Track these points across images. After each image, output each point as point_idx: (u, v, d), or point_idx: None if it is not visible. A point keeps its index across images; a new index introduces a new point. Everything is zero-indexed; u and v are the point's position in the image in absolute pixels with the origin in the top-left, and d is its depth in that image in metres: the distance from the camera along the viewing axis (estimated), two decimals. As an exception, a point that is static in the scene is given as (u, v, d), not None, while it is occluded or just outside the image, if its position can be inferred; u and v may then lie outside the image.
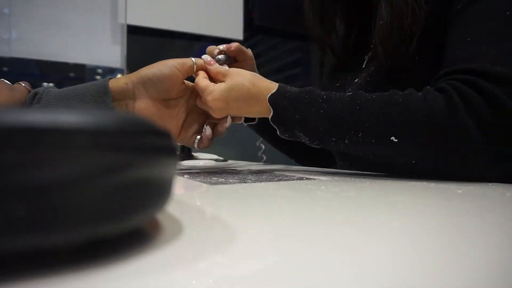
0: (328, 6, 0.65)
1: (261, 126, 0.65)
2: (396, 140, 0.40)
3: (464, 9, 0.46)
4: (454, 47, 0.45)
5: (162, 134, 0.14)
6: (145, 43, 2.09)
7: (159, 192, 0.14)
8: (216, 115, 0.50)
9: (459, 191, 0.31)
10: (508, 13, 0.42)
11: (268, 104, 0.46)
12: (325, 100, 0.44)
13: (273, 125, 0.48)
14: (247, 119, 0.62)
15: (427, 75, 0.48)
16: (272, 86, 0.48)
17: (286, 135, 0.48)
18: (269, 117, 0.47)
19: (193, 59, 0.51)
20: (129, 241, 0.14)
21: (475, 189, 0.32)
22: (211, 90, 0.48)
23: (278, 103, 0.46)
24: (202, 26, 1.97)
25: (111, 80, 0.48)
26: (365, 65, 0.59)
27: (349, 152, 0.45)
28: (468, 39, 0.43)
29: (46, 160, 0.10)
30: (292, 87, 0.48)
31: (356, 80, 0.59)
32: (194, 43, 2.17)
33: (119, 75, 1.97)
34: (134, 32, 1.93)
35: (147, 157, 0.13)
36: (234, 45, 0.54)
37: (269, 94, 0.46)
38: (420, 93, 0.41)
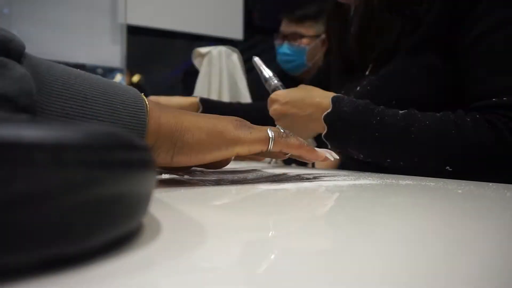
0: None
1: None
2: (450, 170, 0.44)
3: (481, 39, 0.48)
4: (479, 78, 0.48)
5: (134, 148, 0.14)
6: (145, 43, 2.09)
7: (129, 208, 0.14)
8: (276, 119, 0.54)
9: (459, 191, 0.31)
10: None
11: (323, 121, 0.49)
12: (379, 122, 0.47)
13: (325, 141, 0.50)
14: None
15: (418, 88, 0.53)
16: (326, 96, 0.50)
17: (338, 150, 0.51)
18: (323, 134, 0.50)
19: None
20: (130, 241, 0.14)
21: (475, 189, 0.32)
22: (276, 95, 0.54)
23: (332, 123, 0.48)
24: (202, 26, 1.97)
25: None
26: (368, 73, 0.61)
27: (403, 171, 0.48)
28: (494, 69, 0.47)
29: (4, 176, 0.10)
30: (346, 102, 0.49)
31: (357, 89, 0.61)
32: (194, 43, 2.18)
33: (118, 75, 1.97)
34: (134, 32, 1.93)
35: (114, 173, 0.12)
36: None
37: (324, 114, 0.49)
38: (470, 122, 0.45)
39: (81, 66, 1.93)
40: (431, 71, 0.52)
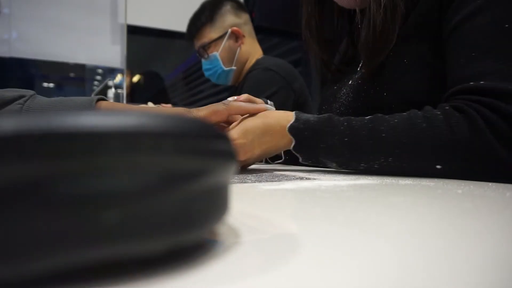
0: (325, 28, 0.67)
1: (288, 162, 0.65)
2: (440, 167, 0.42)
3: (462, 24, 0.47)
4: (460, 64, 0.46)
5: (227, 138, 0.14)
6: (145, 43, 2.09)
7: (228, 196, 0.14)
8: (241, 155, 0.49)
9: (459, 191, 0.31)
10: (506, 25, 0.43)
11: (289, 133, 0.47)
12: (347, 128, 0.45)
13: (295, 153, 0.48)
14: (273, 157, 0.63)
15: (410, 78, 0.51)
16: (287, 114, 0.48)
17: (310, 161, 0.49)
18: (291, 146, 0.48)
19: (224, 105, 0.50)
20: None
21: (475, 189, 0.32)
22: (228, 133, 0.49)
23: (299, 133, 0.47)
24: (202, 26, 1.97)
25: (104, 102, 0.50)
26: (359, 68, 0.61)
27: (381, 173, 0.46)
28: (473, 54, 0.44)
29: (137, 165, 0.10)
30: (309, 115, 0.48)
31: (350, 82, 0.61)
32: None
33: (119, 76, 1.97)
34: (134, 32, 1.93)
35: (222, 162, 0.13)
36: (242, 97, 0.55)
37: (288, 124, 0.47)
38: (440, 115, 0.42)
39: (81, 66, 1.93)
40: (422, 61, 0.51)
